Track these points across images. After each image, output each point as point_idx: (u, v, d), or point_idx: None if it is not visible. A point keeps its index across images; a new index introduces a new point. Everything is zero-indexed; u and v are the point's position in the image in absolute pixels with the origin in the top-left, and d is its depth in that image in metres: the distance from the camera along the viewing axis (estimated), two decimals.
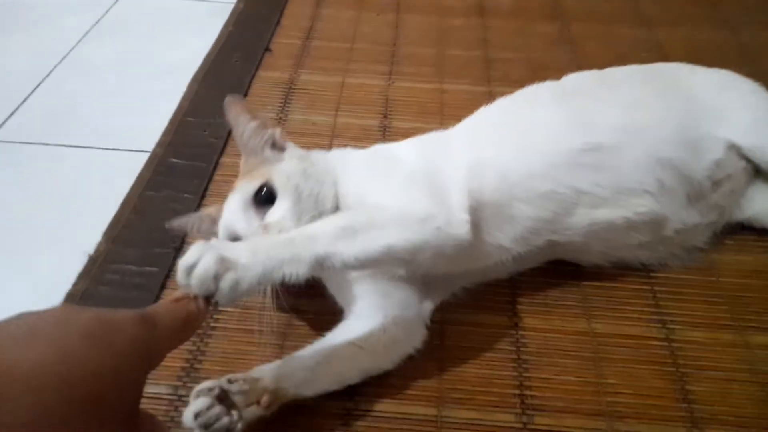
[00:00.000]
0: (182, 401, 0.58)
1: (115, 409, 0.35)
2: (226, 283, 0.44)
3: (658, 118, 0.68)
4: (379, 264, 0.57)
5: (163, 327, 0.40)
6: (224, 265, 0.45)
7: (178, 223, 0.68)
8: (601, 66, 0.78)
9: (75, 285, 0.68)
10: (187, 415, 0.50)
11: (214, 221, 0.65)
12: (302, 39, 1.14)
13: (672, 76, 0.78)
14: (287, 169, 0.63)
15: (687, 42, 1.15)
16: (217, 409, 0.51)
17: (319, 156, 0.68)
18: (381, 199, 0.60)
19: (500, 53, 1.12)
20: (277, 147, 0.66)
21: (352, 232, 0.52)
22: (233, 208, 0.61)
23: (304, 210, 0.60)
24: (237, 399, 0.52)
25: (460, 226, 0.57)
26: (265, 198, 0.61)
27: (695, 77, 0.77)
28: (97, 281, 0.69)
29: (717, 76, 0.78)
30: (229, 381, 0.52)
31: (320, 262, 0.50)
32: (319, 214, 0.60)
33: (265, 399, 0.53)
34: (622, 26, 1.22)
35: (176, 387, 0.59)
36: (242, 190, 0.62)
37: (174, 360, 0.61)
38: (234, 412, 0.51)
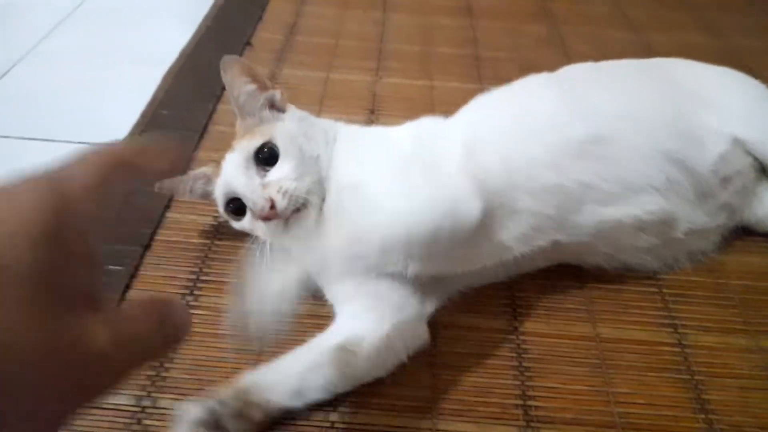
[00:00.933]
0: (146, 413, 0.52)
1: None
2: None
3: (656, 107, 0.65)
4: (403, 260, 0.53)
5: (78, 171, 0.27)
6: None
7: (169, 183, 0.64)
8: None
9: None
10: None
11: (209, 181, 0.62)
12: (285, 34, 1.09)
13: (671, 68, 0.75)
14: (289, 129, 0.60)
15: (675, 46, 1.13)
16: None
17: (320, 121, 0.65)
18: (380, 187, 0.56)
19: (490, 52, 1.08)
20: (276, 108, 0.63)
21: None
22: (233, 166, 0.58)
23: (306, 171, 0.58)
24: (229, 422, 0.46)
25: (468, 200, 0.52)
26: (266, 156, 0.58)
27: (695, 70, 0.74)
28: None
29: (717, 70, 0.75)
30: (220, 403, 0.46)
31: None
32: (319, 179, 0.58)
33: (257, 415, 0.48)
34: (611, 29, 1.20)
35: (139, 398, 0.52)
36: (243, 148, 0.58)
37: None
38: None
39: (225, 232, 0.68)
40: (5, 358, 0.22)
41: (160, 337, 0.27)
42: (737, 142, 0.66)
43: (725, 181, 0.65)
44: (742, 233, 0.71)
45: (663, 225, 0.62)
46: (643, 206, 0.60)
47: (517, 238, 0.57)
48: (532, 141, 0.60)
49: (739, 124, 0.67)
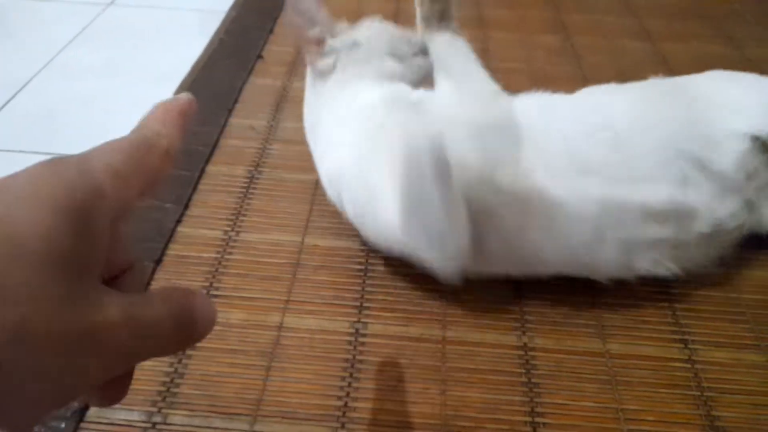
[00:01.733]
0: (157, 429, 0.52)
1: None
2: None
3: (672, 109, 0.66)
4: None
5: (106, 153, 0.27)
6: None
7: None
8: (607, 77, 0.74)
9: None
10: None
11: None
12: (296, 46, 1.10)
13: (680, 83, 0.75)
14: None
15: (692, 56, 1.13)
16: None
17: None
18: None
19: (502, 63, 1.08)
20: None
21: None
22: None
23: None
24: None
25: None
26: None
27: (699, 79, 0.75)
28: None
29: (715, 74, 0.76)
30: None
31: None
32: None
33: None
34: (627, 40, 1.19)
35: (150, 413, 0.53)
36: None
37: (148, 383, 0.55)
38: None
39: (236, 246, 0.69)
40: (16, 333, 0.21)
41: (174, 327, 0.26)
42: (754, 140, 0.65)
43: (747, 177, 0.64)
44: (754, 247, 0.70)
45: (674, 215, 0.61)
46: (654, 193, 0.60)
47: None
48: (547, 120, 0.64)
49: (752, 121, 0.66)
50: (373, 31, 0.68)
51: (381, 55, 0.66)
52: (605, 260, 0.62)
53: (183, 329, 0.27)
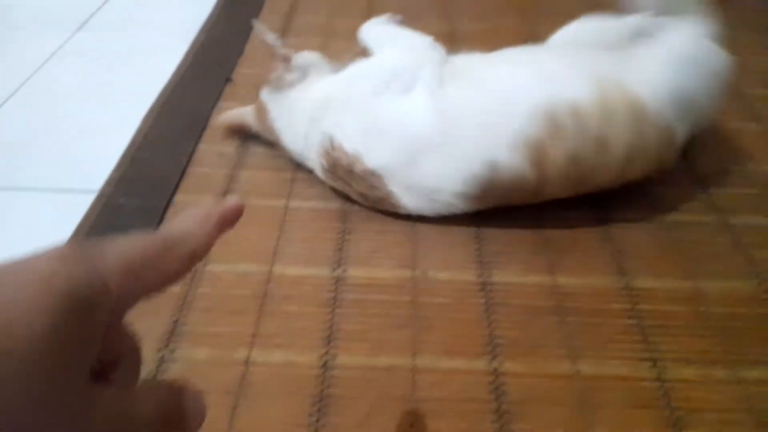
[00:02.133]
0: None
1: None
2: None
3: None
4: None
5: (116, 254, 0.26)
6: None
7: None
8: None
9: None
10: None
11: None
12: (266, 69, 1.09)
13: None
14: None
15: None
16: None
17: None
18: None
19: None
20: None
21: None
22: None
23: None
24: None
25: None
26: None
27: None
28: None
29: None
30: None
31: None
32: None
33: None
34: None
35: None
36: None
37: None
38: None
39: (203, 279, 0.68)
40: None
41: (162, 426, 0.26)
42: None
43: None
44: (723, 256, 0.71)
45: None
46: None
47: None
48: None
49: None
50: (314, 56, 0.88)
51: (327, 69, 0.86)
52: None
53: (171, 428, 0.27)
